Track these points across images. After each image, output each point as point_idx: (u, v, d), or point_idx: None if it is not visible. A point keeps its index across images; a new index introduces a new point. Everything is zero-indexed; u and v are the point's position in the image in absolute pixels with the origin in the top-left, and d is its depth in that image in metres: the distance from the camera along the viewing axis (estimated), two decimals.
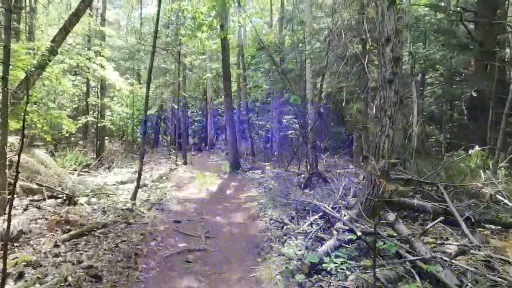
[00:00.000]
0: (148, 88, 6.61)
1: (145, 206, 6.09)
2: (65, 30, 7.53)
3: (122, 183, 7.96)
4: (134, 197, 6.27)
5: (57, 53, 8.04)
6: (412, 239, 3.83)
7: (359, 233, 4.00)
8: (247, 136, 20.67)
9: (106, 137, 21.55)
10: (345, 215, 5.01)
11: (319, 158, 12.60)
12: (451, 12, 10.28)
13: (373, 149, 4.92)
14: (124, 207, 5.78)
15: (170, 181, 9.82)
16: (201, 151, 23.82)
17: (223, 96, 27.17)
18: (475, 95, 9.51)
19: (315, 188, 7.44)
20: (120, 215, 5.37)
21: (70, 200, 5.84)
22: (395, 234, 4.32)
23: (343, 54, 15.04)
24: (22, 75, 6.62)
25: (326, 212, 5.10)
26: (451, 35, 10.72)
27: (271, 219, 5.50)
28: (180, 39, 12.82)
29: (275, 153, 15.85)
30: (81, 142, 15.21)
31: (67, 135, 13.60)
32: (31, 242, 4.15)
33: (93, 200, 5.97)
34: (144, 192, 7.60)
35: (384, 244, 3.65)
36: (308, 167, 12.19)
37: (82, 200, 5.71)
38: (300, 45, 11.36)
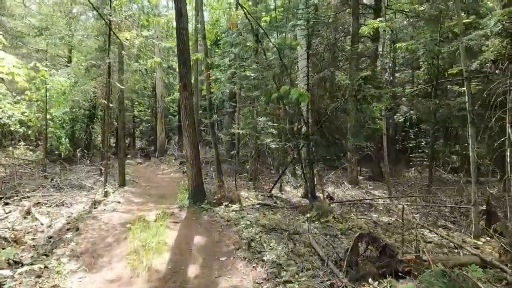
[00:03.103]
0: None
1: None
2: None
3: None
4: None
5: None
6: None
7: None
8: (207, 142, 16.15)
9: (22, 144, 15.38)
10: None
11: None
12: None
13: None
14: None
15: (79, 240, 5.07)
16: (149, 158, 18.62)
17: (175, 91, 22.20)
18: None
19: (380, 283, 3.33)
20: None
21: None
22: None
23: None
24: None
25: None
26: None
27: None
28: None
29: (248, 166, 11.58)
30: None
31: None
32: None
33: None
34: None
35: None
36: (306, 191, 8.20)
37: None
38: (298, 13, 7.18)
